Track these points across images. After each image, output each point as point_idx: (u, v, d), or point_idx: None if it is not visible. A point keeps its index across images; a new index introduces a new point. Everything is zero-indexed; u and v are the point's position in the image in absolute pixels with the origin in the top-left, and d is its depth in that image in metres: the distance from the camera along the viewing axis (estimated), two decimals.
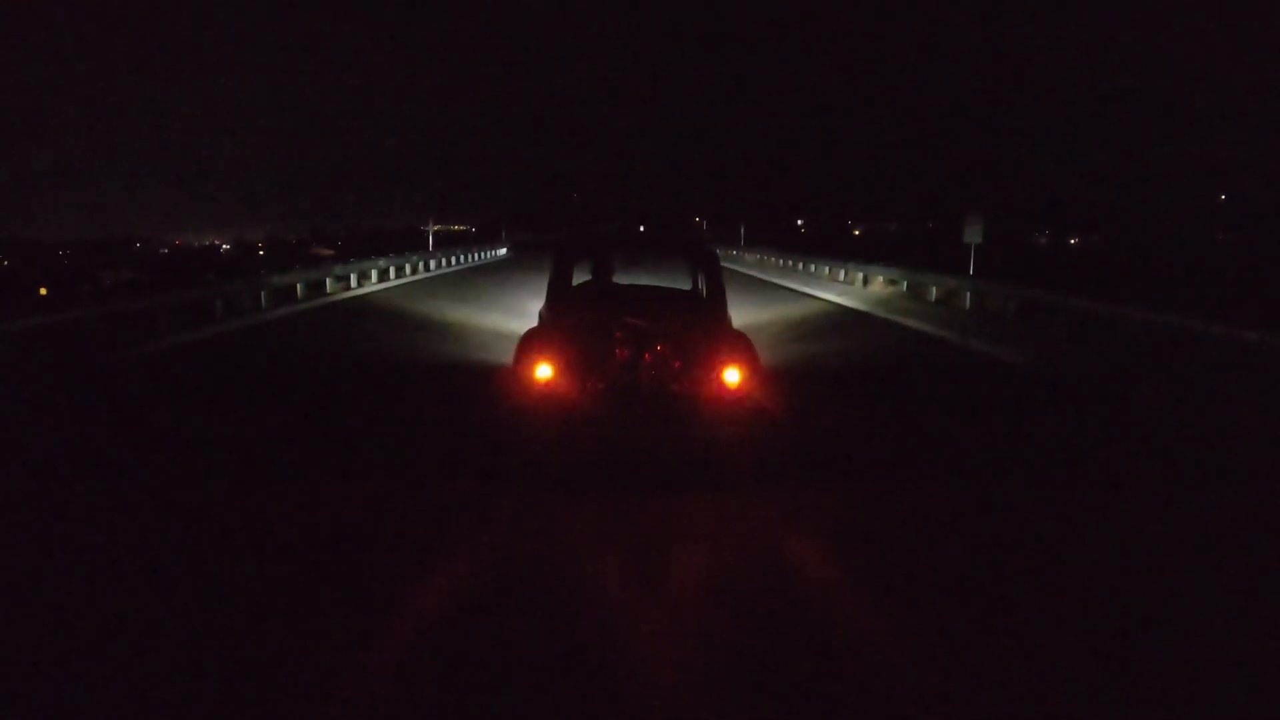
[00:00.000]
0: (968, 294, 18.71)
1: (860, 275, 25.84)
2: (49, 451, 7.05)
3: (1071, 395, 10.26)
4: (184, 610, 4.10)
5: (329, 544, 5.00)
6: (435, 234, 43.22)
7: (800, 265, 33.36)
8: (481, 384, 9.41)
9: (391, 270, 28.10)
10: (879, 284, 24.39)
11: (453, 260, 38.45)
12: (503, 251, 50.49)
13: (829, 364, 12.05)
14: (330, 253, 48.29)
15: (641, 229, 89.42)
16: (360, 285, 24.48)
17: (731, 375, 6.15)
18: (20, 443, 7.36)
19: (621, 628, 3.98)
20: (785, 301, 22.08)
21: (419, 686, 3.44)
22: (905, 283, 22.56)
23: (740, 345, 6.44)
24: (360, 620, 3.98)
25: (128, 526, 5.27)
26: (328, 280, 22.81)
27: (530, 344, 6.46)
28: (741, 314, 11.57)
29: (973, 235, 21.17)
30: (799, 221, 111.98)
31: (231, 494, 5.88)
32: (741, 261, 41.89)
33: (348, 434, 7.56)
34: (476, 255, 43.37)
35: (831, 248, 41.08)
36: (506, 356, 7.33)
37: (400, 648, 3.73)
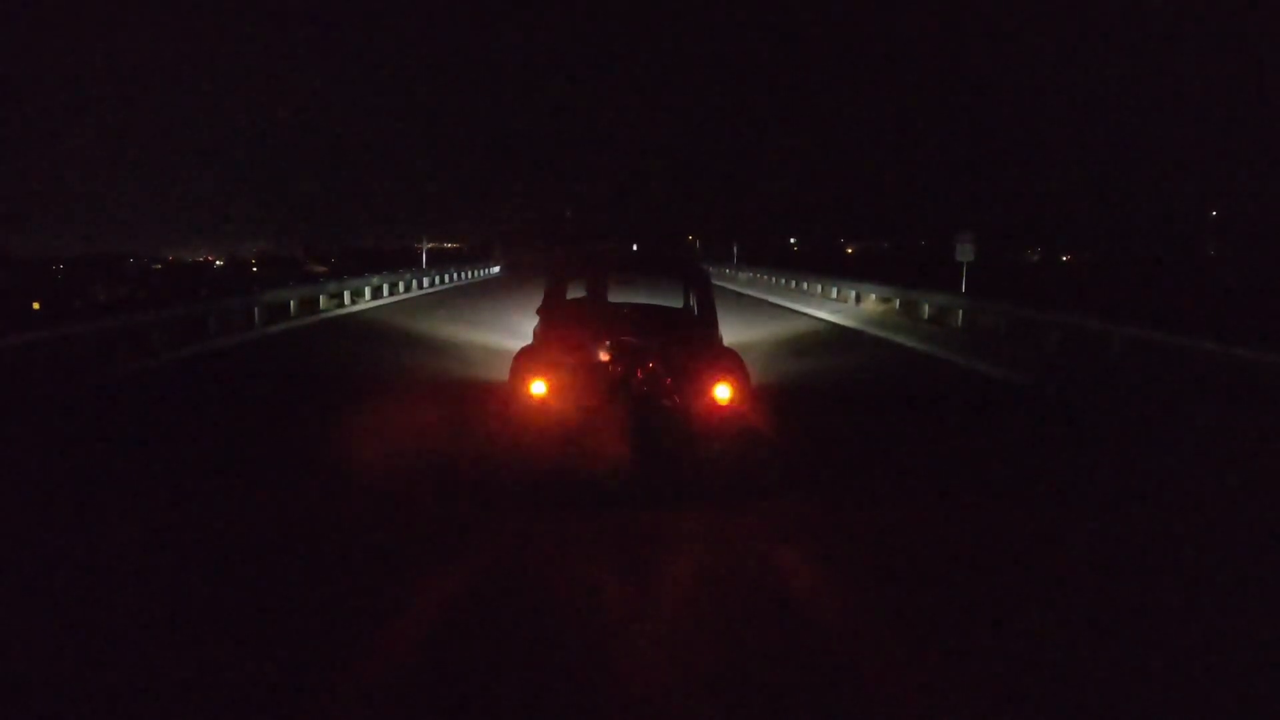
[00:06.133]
0: (960, 311, 18.82)
1: (853, 293, 25.96)
2: (45, 466, 7.05)
3: (1064, 411, 10.32)
4: (183, 618, 4.12)
5: (325, 556, 5.02)
6: (428, 252, 43.28)
7: (793, 283, 33.50)
8: (477, 400, 9.44)
9: (385, 287, 28.13)
10: (872, 302, 24.51)
11: (446, 278, 38.50)
12: (496, 269, 50.59)
13: (821, 381, 12.10)
14: (324, 269, 48.20)
15: (634, 248, 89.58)
16: (354, 302, 24.51)
17: (722, 391, 6.20)
18: (16, 458, 7.36)
19: (614, 639, 4.01)
20: (778, 319, 22.15)
21: (413, 699, 3.47)
22: (898, 300, 22.67)
23: (731, 362, 6.50)
24: (358, 631, 4.00)
25: (124, 540, 5.28)
26: (321, 297, 22.82)
27: (525, 361, 6.52)
28: (734, 331, 11.64)
29: (964, 253, 21.31)
30: (792, 240, 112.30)
31: (227, 509, 5.90)
32: (735, 280, 42.02)
33: (343, 449, 7.57)
34: (470, 273, 43.43)
35: (824, 266, 41.26)
36: (501, 373, 7.37)
37: (394, 661, 3.76)
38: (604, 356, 6.32)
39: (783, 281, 35.45)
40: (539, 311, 7.88)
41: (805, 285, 31.61)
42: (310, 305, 21.92)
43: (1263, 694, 3.67)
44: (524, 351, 6.90)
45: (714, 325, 7.37)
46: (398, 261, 43.82)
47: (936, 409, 10.42)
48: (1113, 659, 3.93)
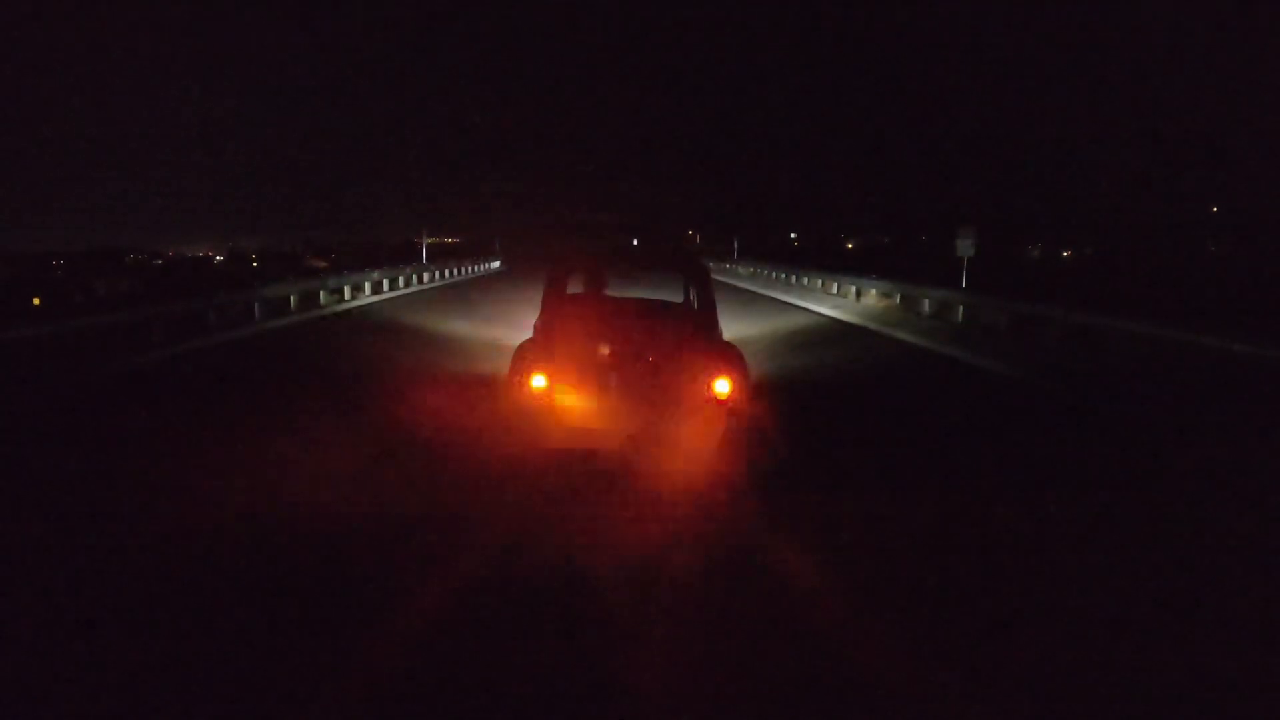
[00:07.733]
0: (960, 307, 18.78)
1: (853, 288, 25.91)
2: (44, 461, 7.06)
3: (1064, 408, 10.32)
4: (178, 614, 4.13)
5: (322, 551, 5.03)
6: (429, 247, 43.24)
7: (793, 278, 33.44)
8: (477, 394, 9.45)
9: (385, 282, 28.12)
10: (872, 297, 24.47)
11: (447, 273, 38.46)
12: (496, 264, 50.59)
13: (821, 376, 12.10)
14: (324, 264, 48.26)
15: (635, 242, 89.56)
16: (354, 297, 24.51)
17: (721, 386, 6.21)
18: (15, 454, 7.37)
19: (614, 634, 4.02)
20: (778, 314, 22.15)
21: (409, 696, 3.47)
22: (898, 296, 22.62)
23: (730, 357, 6.50)
24: (353, 627, 4.01)
25: (123, 535, 5.29)
26: (321, 292, 22.83)
27: (525, 355, 6.52)
28: (734, 327, 11.65)
29: (965, 248, 21.26)
30: (792, 235, 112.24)
31: (228, 503, 5.91)
32: (735, 274, 41.97)
33: (343, 444, 7.58)
34: (470, 269, 43.41)
35: (825, 260, 41.25)
36: (501, 368, 7.38)
37: (390, 656, 3.77)
38: (604, 351, 6.33)
39: (783, 276, 35.40)
40: (541, 301, 7.88)
41: (806, 280, 31.56)
42: (311, 300, 21.93)
43: (1264, 694, 3.68)
44: (524, 345, 6.91)
45: (714, 320, 7.37)
46: (398, 256, 43.87)
47: (936, 404, 10.42)
48: (1113, 656, 3.94)
